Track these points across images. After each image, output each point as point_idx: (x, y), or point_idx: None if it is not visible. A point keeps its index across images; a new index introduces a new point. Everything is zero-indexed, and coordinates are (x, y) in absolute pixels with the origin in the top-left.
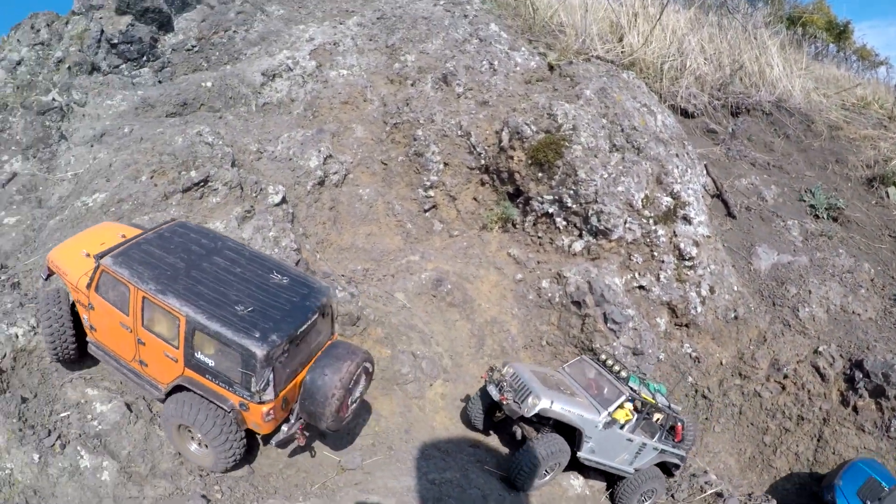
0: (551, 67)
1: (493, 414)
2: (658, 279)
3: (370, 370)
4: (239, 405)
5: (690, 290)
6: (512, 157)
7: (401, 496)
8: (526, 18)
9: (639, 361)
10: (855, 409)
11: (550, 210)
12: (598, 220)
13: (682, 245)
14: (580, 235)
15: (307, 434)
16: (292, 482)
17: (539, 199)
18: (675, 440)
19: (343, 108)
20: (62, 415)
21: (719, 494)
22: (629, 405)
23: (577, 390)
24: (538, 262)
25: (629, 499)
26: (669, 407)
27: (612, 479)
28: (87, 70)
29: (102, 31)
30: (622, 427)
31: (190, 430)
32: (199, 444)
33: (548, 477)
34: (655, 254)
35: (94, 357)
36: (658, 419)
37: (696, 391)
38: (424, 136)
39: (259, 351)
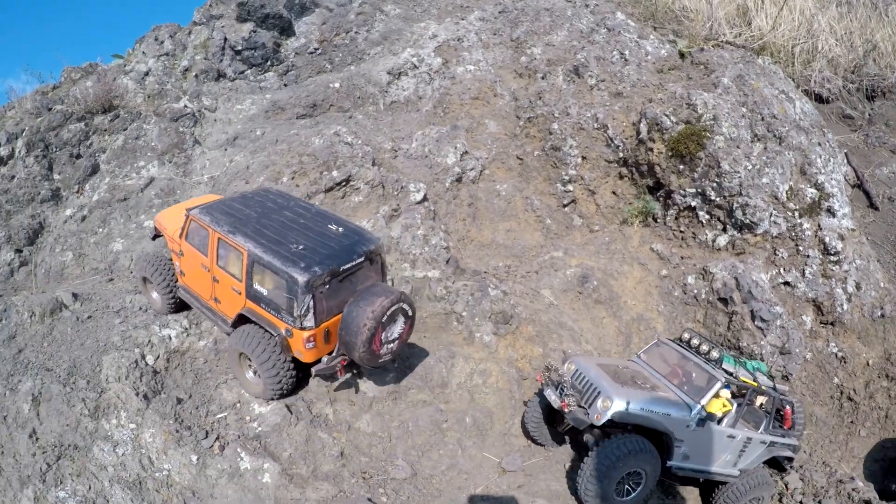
0: (682, 55)
1: (556, 422)
2: (803, 275)
3: (409, 313)
4: (285, 331)
5: (836, 286)
6: (651, 150)
7: (565, 499)
8: (647, 5)
9: (785, 361)
10: None
11: (693, 203)
12: (744, 214)
13: (826, 239)
14: (724, 230)
15: (352, 373)
16: (455, 484)
17: (681, 192)
18: (785, 427)
19: (473, 104)
20: (219, 416)
21: (867, 502)
22: (726, 392)
23: (659, 382)
24: (682, 258)
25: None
26: (774, 388)
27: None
28: (214, 77)
29: (226, 39)
30: (720, 421)
31: (248, 359)
32: (255, 372)
33: (634, 494)
34: (801, 248)
35: None
36: (762, 404)
37: (842, 393)
38: (560, 129)
39: (301, 277)
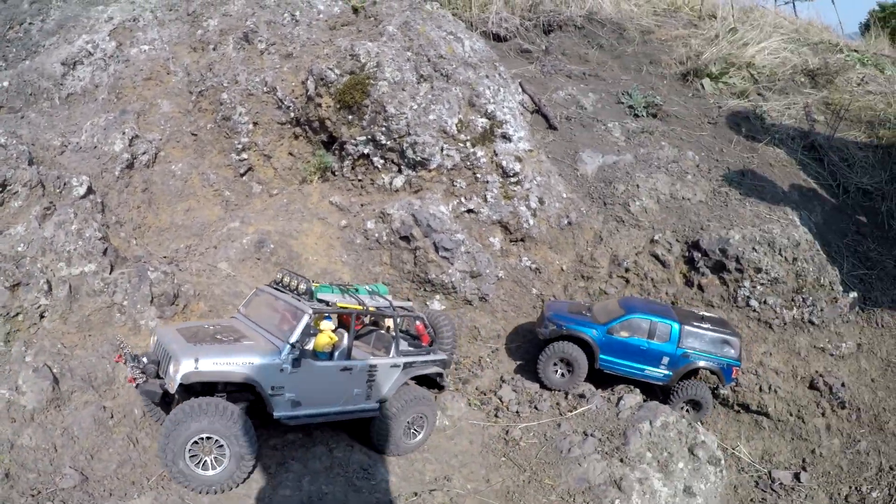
0: (356, 10)
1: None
2: (485, 200)
3: None
4: None
5: (520, 204)
6: (320, 105)
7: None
8: None
9: (478, 283)
10: (700, 287)
11: (366, 151)
12: (414, 152)
13: (504, 163)
14: (399, 171)
15: None
16: (129, 480)
17: (353, 141)
18: (424, 344)
19: (146, 85)
20: None
21: (581, 395)
22: (329, 324)
23: (253, 332)
24: (362, 206)
25: (388, 439)
26: (392, 307)
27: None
28: None
29: None
30: (331, 356)
31: None
32: None
33: (220, 469)
34: (478, 176)
35: None
36: (388, 327)
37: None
38: (230, 98)
39: None
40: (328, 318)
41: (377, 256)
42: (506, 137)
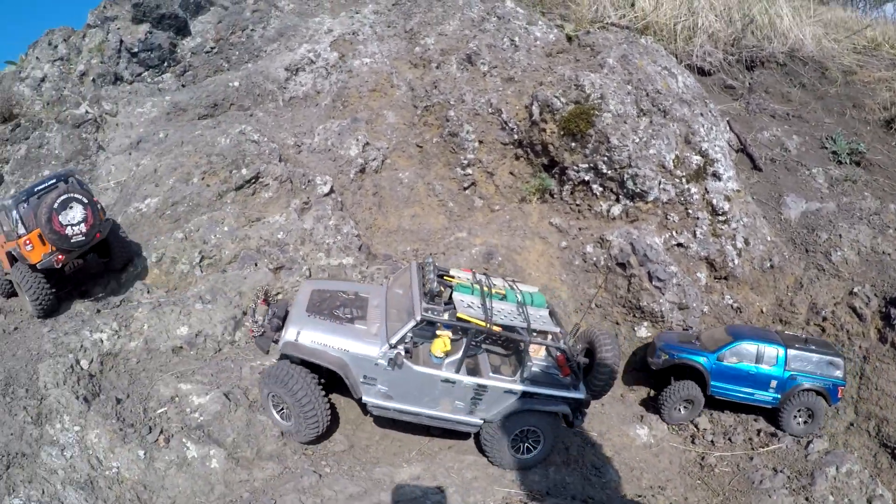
0: (570, 38)
1: None
2: (695, 236)
3: (84, 200)
4: (22, 245)
5: (726, 243)
6: (544, 130)
7: None
8: None
9: (685, 315)
10: (893, 345)
11: (586, 178)
12: (634, 184)
13: (714, 201)
14: (617, 200)
15: (78, 263)
16: (391, 451)
17: (574, 168)
18: (563, 375)
19: (372, 96)
20: (159, 411)
21: (773, 434)
22: (446, 332)
23: (377, 313)
24: (580, 229)
25: (494, 453)
26: (529, 329)
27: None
28: (111, 80)
29: (121, 42)
30: (440, 363)
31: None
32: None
33: (293, 422)
34: (690, 211)
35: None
36: (525, 345)
37: None
38: (457, 116)
39: (4, 202)
40: (447, 326)
41: (593, 279)
42: (716, 176)
